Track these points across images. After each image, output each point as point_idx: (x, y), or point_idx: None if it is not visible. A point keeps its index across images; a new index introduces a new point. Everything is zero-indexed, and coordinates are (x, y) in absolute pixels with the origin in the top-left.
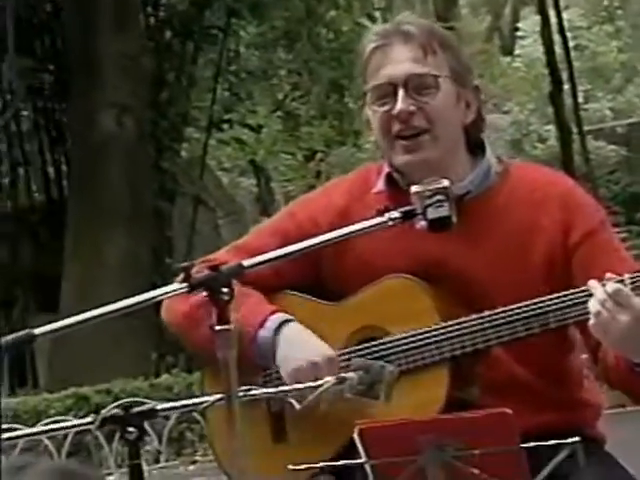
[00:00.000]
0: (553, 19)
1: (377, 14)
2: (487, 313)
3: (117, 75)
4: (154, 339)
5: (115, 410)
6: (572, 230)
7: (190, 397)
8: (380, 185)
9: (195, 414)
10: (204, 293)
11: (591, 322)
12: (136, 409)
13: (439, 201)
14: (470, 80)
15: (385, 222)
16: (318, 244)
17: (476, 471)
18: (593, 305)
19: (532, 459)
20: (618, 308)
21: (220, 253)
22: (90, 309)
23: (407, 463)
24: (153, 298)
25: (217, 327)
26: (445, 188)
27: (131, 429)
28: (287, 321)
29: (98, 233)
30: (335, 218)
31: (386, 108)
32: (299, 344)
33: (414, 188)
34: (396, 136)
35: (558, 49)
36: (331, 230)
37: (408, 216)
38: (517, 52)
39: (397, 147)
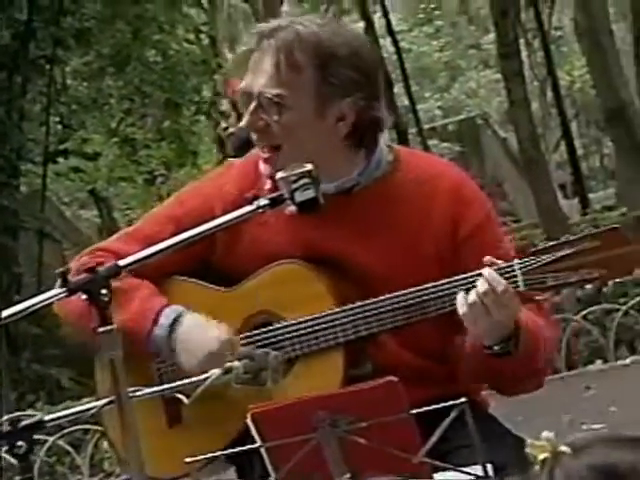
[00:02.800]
0: (376, 24)
1: (203, 28)
2: (382, 297)
3: None
4: (12, 378)
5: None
6: (460, 224)
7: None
8: (268, 184)
9: (64, 444)
10: (83, 296)
11: (463, 311)
12: (24, 422)
13: (305, 184)
14: (348, 94)
15: (255, 210)
16: (202, 233)
17: (370, 442)
18: (474, 297)
19: (422, 429)
20: (497, 304)
21: (111, 241)
22: None
23: (303, 442)
24: (33, 305)
25: (100, 329)
26: (309, 171)
27: (20, 443)
28: (180, 315)
29: None
30: (229, 206)
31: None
32: (195, 338)
33: (279, 174)
34: (255, 141)
35: (384, 53)
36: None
37: (276, 202)
38: None
39: (259, 153)
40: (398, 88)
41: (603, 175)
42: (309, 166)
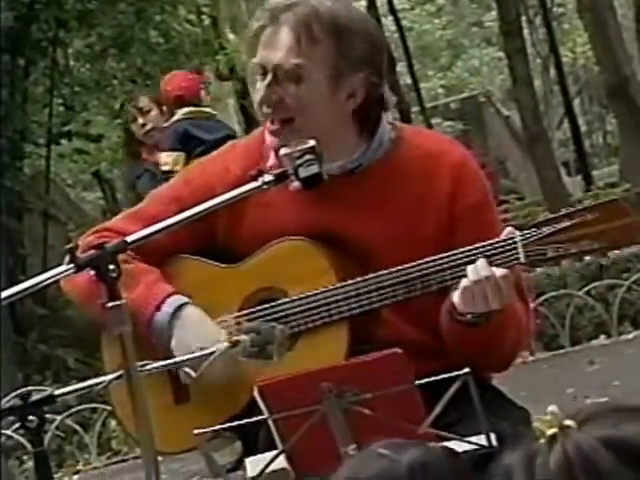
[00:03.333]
0: (378, 2)
1: (204, 9)
2: (383, 272)
3: None
4: (18, 359)
5: (13, 400)
6: (456, 201)
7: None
8: (272, 159)
9: (72, 423)
10: (91, 272)
11: (461, 300)
12: (34, 397)
13: (308, 160)
14: (360, 69)
15: (260, 186)
16: (207, 209)
17: (375, 413)
18: (472, 274)
19: (427, 400)
20: (494, 289)
21: (115, 221)
22: None
23: (309, 414)
24: (42, 282)
25: (109, 304)
26: (312, 147)
27: (31, 417)
28: (183, 305)
29: None
30: (232, 187)
31: (259, 86)
32: (193, 330)
33: (282, 151)
34: (265, 115)
35: (386, 32)
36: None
37: (281, 178)
38: None
39: (268, 125)
40: (401, 67)
41: (606, 152)
42: (312, 142)
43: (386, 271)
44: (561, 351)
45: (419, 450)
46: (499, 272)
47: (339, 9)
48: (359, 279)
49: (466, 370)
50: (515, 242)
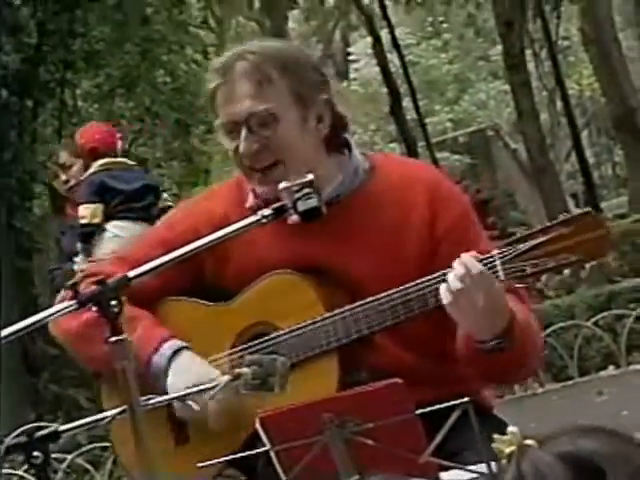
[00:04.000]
0: (384, 39)
1: (210, 49)
2: (368, 300)
3: None
4: (30, 399)
5: (19, 438)
6: (436, 224)
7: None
8: (251, 200)
9: (83, 462)
10: (93, 308)
11: (447, 300)
12: (39, 433)
13: (307, 194)
14: (318, 94)
15: (259, 220)
16: (197, 248)
17: (377, 443)
18: (453, 282)
19: (427, 430)
20: (476, 287)
21: (103, 265)
22: None
23: (310, 445)
24: (45, 318)
25: (112, 339)
26: (311, 181)
27: (36, 454)
28: (181, 349)
29: None
30: (216, 227)
31: (235, 144)
32: (189, 373)
33: (282, 185)
34: (249, 168)
35: (392, 67)
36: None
37: (280, 212)
38: (352, 76)
39: (253, 178)
40: (406, 102)
41: (615, 183)
42: (310, 176)
43: (371, 298)
44: (570, 382)
45: None
46: (474, 269)
47: (280, 47)
48: (345, 308)
49: (466, 399)
50: (493, 260)
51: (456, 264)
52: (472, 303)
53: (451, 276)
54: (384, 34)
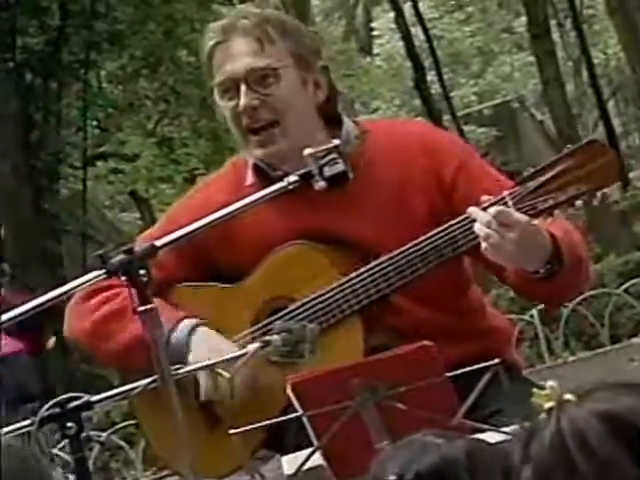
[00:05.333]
0: (406, 13)
1: None
2: (383, 258)
3: None
4: (63, 379)
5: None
6: (442, 170)
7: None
8: (250, 178)
9: (118, 439)
10: (122, 277)
11: (482, 246)
12: (72, 404)
13: (333, 159)
14: (316, 61)
15: (285, 186)
16: (209, 223)
17: (409, 407)
18: (480, 229)
19: (457, 389)
20: (504, 228)
21: None
22: None
23: (342, 410)
24: (75, 287)
25: (141, 308)
26: (336, 146)
27: (70, 424)
28: (198, 325)
29: None
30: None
31: (232, 103)
32: (209, 346)
33: (307, 151)
34: (247, 129)
35: (416, 41)
36: (215, 227)
37: (306, 177)
38: (376, 51)
39: (250, 141)
40: (431, 76)
41: None
42: (336, 141)
43: (385, 257)
44: (601, 350)
45: (466, 439)
46: (493, 212)
47: (279, 14)
48: (362, 269)
49: (496, 361)
50: (505, 201)
51: (477, 215)
52: (509, 243)
53: (477, 225)
54: (407, 8)
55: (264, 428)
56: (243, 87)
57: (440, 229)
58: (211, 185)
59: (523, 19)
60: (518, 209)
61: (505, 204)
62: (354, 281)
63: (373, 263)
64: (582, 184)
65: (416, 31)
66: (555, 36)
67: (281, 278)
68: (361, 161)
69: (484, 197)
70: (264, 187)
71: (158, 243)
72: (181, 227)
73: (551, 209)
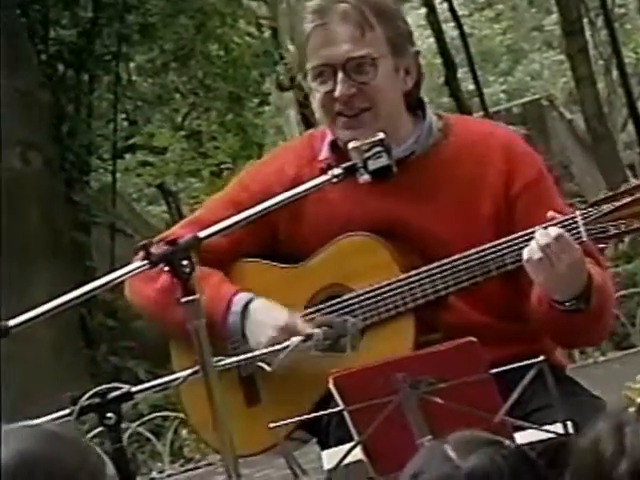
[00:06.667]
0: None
1: (263, 22)
2: (444, 260)
3: (17, 113)
4: (89, 372)
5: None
6: (513, 181)
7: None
8: (325, 152)
9: (144, 431)
10: (165, 268)
11: (530, 269)
12: (112, 394)
13: (377, 152)
14: (409, 45)
15: (329, 179)
16: (269, 207)
17: (451, 403)
18: (533, 248)
19: (500, 388)
20: (557, 257)
21: (175, 229)
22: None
23: (384, 405)
24: (117, 278)
25: (183, 299)
26: (382, 140)
27: (109, 415)
28: (250, 301)
29: (20, 272)
30: (288, 188)
31: (326, 88)
32: (264, 320)
33: (352, 144)
34: (338, 113)
35: (447, 38)
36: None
37: (350, 170)
38: None
39: (339, 123)
40: (461, 73)
41: None
42: (381, 135)
43: (447, 259)
44: (632, 350)
45: (486, 455)
46: (553, 233)
47: None
48: (422, 269)
49: (541, 358)
50: (576, 221)
51: (538, 234)
52: (553, 271)
53: (534, 245)
54: (437, 4)
55: (302, 411)
56: (340, 74)
57: (506, 239)
58: (285, 155)
59: (553, 17)
60: (588, 229)
61: (575, 223)
62: (412, 279)
63: (434, 264)
64: None
65: (446, 28)
66: (586, 34)
67: (342, 266)
68: (439, 155)
69: (551, 213)
70: (338, 161)
71: (202, 234)
72: (252, 194)
73: (622, 235)
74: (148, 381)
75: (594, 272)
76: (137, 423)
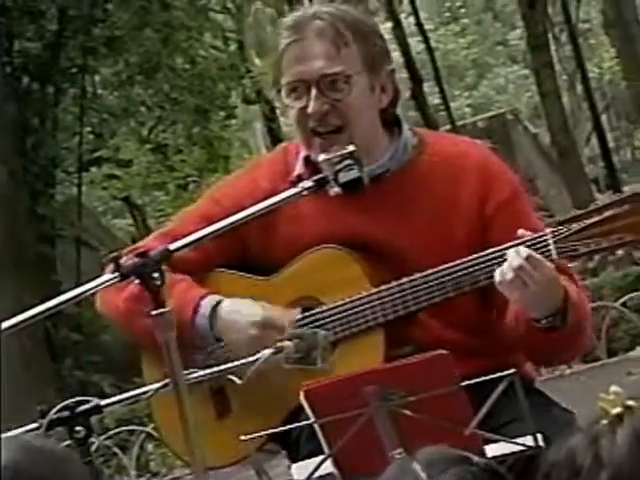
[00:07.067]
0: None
1: (230, 34)
2: (416, 276)
3: None
4: (54, 386)
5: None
6: (487, 202)
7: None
8: (299, 168)
9: (111, 445)
10: (135, 281)
11: (503, 289)
12: (81, 408)
13: (348, 165)
14: (385, 63)
15: (300, 192)
16: (240, 220)
17: (422, 416)
18: (504, 270)
19: (471, 402)
20: (531, 270)
21: (146, 241)
22: None
23: (355, 417)
24: (87, 291)
25: (153, 312)
26: (352, 152)
27: (78, 428)
28: (218, 303)
29: None
30: (260, 201)
31: (300, 104)
32: (237, 318)
33: (322, 156)
34: (312, 131)
35: (413, 52)
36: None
37: (321, 183)
38: None
39: (314, 143)
40: (428, 87)
41: (635, 168)
42: (351, 147)
43: (419, 275)
44: (598, 363)
45: (456, 474)
46: (524, 253)
47: (352, 12)
48: (393, 284)
49: (512, 371)
50: (546, 239)
51: (510, 254)
52: (527, 290)
53: (505, 266)
54: (402, 19)
55: (273, 423)
56: (314, 91)
57: (478, 255)
58: (258, 169)
59: (518, 32)
60: (558, 248)
61: (546, 241)
62: (383, 294)
63: (405, 279)
64: (627, 234)
65: (411, 41)
66: (551, 50)
67: (313, 279)
68: (414, 172)
69: (521, 231)
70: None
71: (173, 246)
72: (224, 209)
73: (591, 253)
74: (114, 395)
75: (570, 289)
76: (103, 437)
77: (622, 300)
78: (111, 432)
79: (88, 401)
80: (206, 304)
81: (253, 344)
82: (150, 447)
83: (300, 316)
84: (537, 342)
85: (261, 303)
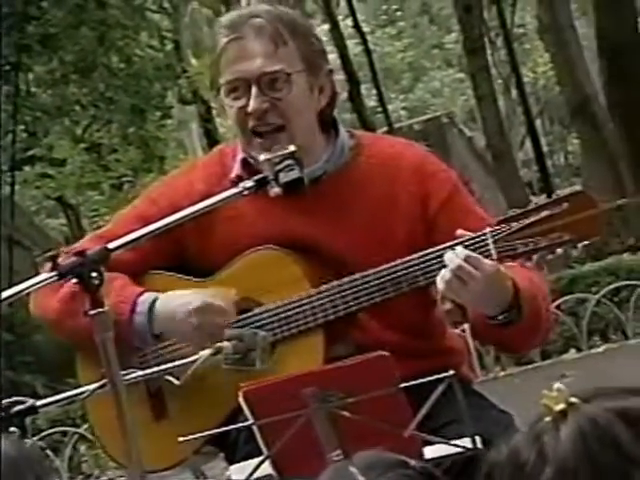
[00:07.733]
0: (341, 24)
1: (166, 33)
2: (356, 276)
3: None
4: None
5: None
6: (429, 202)
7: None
8: (237, 169)
9: (43, 446)
10: (73, 280)
11: (442, 288)
12: (16, 408)
13: (289, 165)
14: (322, 63)
15: (240, 192)
16: (177, 220)
17: (361, 417)
18: (444, 274)
19: (411, 403)
20: (472, 270)
21: (82, 242)
22: None
23: (294, 419)
24: (26, 289)
25: (91, 312)
26: (293, 153)
27: (13, 429)
28: (155, 300)
29: None
30: (196, 203)
31: (240, 104)
32: (176, 310)
33: (262, 156)
34: (252, 131)
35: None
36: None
37: (261, 183)
38: None
39: (254, 143)
40: (365, 89)
41: (568, 172)
42: (292, 147)
43: (358, 275)
44: (532, 366)
45: (392, 478)
46: (461, 254)
47: (290, 12)
48: (333, 284)
49: (450, 372)
50: (486, 238)
51: (447, 257)
52: (470, 290)
53: (444, 271)
54: (340, 21)
55: (211, 425)
56: (254, 89)
57: (417, 256)
58: (195, 171)
59: (453, 35)
60: (497, 248)
61: (485, 241)
62: (323, 295)
63: (345, 280)
64: (565, 233)
65: (348, 44)
66: (486, 53)
67: (251, 280)
68: (351, 174)
69: (460, 231)
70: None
71: (111, 245)
72: (160, 209)
73: (530, 253)
74: (46, 396)
75: (519, 279)
76: (35, 438)
77: (556, 303)
78: (43, 433)
79: (23, 402)
80: (143, 301)
81: (197, 332)
82: (83, 448)
83: (242, 316)
84: (501, 337)
85: (193, 290)
